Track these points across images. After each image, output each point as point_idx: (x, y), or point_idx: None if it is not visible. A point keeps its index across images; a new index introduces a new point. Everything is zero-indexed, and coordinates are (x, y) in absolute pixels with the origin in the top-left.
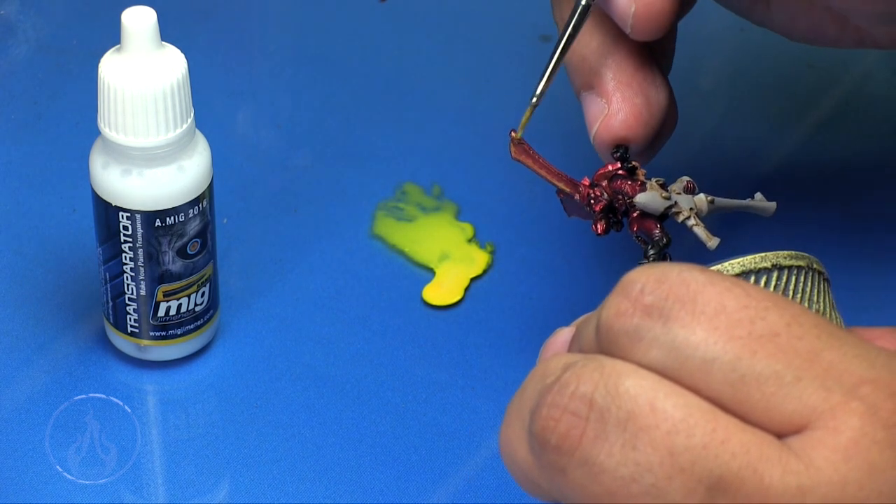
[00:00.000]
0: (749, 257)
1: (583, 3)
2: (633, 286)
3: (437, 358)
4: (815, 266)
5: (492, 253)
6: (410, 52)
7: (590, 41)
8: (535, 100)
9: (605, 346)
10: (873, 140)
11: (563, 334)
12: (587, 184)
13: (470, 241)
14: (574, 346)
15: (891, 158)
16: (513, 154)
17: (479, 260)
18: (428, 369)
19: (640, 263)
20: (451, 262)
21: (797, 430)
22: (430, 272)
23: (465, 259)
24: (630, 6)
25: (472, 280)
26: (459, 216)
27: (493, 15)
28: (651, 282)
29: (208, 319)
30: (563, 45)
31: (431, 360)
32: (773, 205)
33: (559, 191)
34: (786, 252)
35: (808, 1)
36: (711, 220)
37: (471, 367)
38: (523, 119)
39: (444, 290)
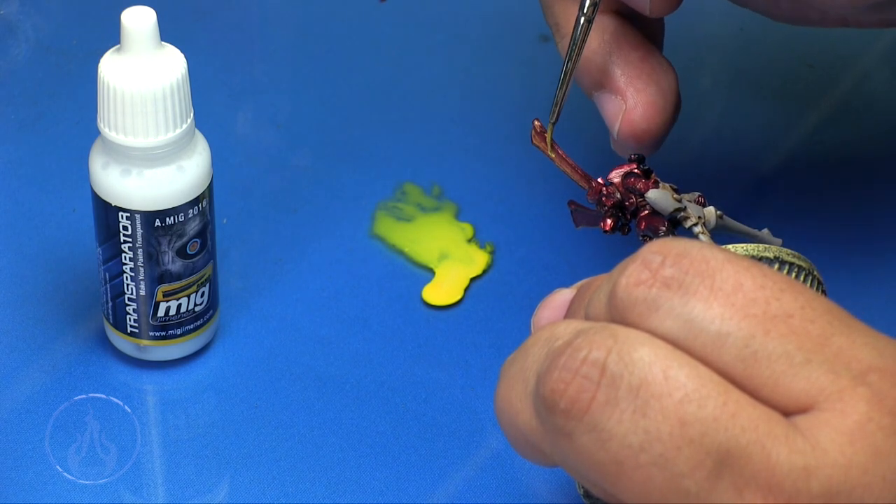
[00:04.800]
0: (753, 245)
1: (583, 20)
2: (654, 258)
3: (437, 358)
4: (815, 273)
5: (492, 253)
6: (410, 52)
7: (591, 41)
8: (553, 119)
9: (620, 312)
10: (873, 140)
11: (563, 294)
12: (602, 182)
13: (470, 241)
14: (578, 310)
15: (891, 158)
16: (533, 140)
17: (478, 260)
18: (428, 369)
19: None
20: (450, 261)
21: (803, 410)
22: (430, 272)
23: (464, 259)
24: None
25: (472, 280)
26: (459, 216)
27: (493, 15)
28: (672, 255)
29: (208, 319)
30: (574, 60)
31: (431, 360)
32: (778, 241)
33: (570, 201)
34: (789, 250)
35: None
36: (714, 234)
37: (471, 367)
38: (548, 137)
39: (443, 290)
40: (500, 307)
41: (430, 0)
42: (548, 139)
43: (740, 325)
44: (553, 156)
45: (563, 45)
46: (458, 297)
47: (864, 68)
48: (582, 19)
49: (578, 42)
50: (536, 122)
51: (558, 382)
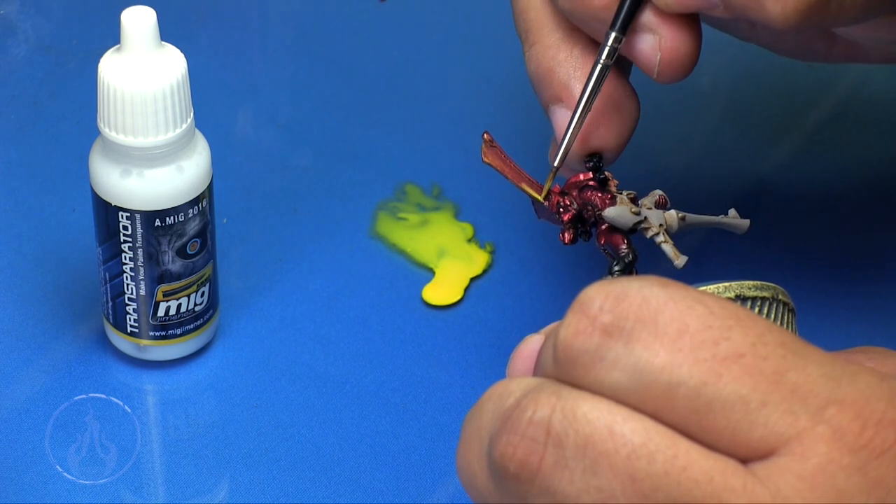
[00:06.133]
0: (712, 286)
1: (601, 63)
2: (592, 304)
3: (437, 358)
4: (780, 297)
5: (492, 253)
6: (410, 52)
7: (557, 53)
8: (556, 164)
9: (564, 365)
10: (873, 141)
11: (533, 342)
12: (557, 191)
13: (470, 240)
14: (538, 364)
15: (890, 159)
16: (484, 158)
17: (478, 260)
18: (428, 369)
19: (604, 278)
20: (450, 261)
21: (764, 456)
22: (430, 272)
23: (464, 259)
24: (655, 54)
25: (472, 280)
26: (459, 216)
27: (493, 15)
28: (610, 300)
29: (208, 319)
30: (584, 107)
31: (431, 360)
32: (745, 222)
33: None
34: (750, 282)
35: None
36: (688, 231)
37: (471, 367)
38: (546, 184)
39: (443, 290)
40: (500, 307)
41: (430, 0)
42: (546, 186)
43: (691, 373)
44: (502, 167)
45: (532, 53)
46: (458, 297)
47: (864, 69)
48: (598, 66)
49: (591, 89)
50: (486, 136)
51: (507, 446)
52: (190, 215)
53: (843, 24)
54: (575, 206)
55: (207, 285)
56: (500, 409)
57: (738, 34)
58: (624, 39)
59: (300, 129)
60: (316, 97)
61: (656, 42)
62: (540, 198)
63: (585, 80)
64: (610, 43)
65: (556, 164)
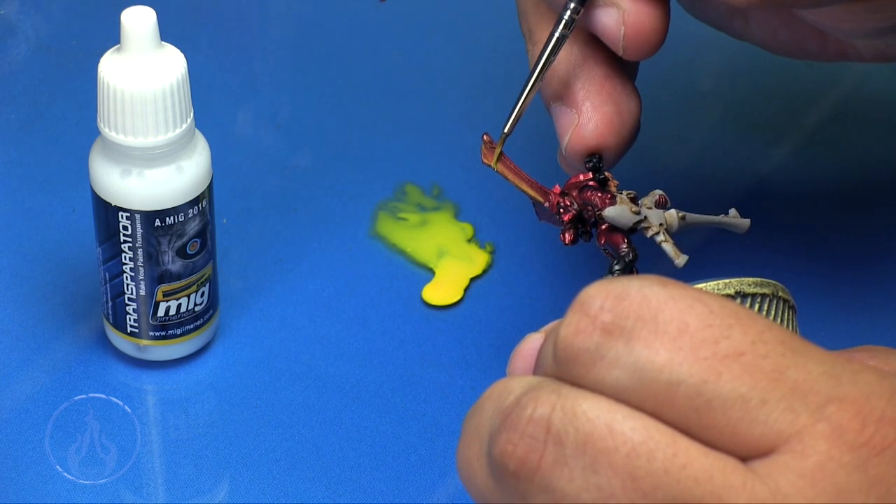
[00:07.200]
0: (712, 282)
1: (556, 34)
2: (592, 303)
3: (437, 358)
4: (780, 294)
5: (491, 253)
6: (410, 53)
7: (560, 52)
8: (506, 130)
9: (564, 364)
10: (873, 140)
11: (533, 341)
12: (557, 192)
13: (470, 240)
14: (538, 362)
15: (890, 159)
16: (483, 159)
17: (478, 260)
18: (428, 369)
19: (604, 277)
20: (450, 261)
21: (764, 454)
22: (430, 272)
23: (464, 259)
24: (619, 28)
25: (472, 280)
26: (459, 216)
27: (492, 15)
28: (611, 298)
29: (208, 319)
30: (538, 75)
31: (431, 360)
32: (746, 221)
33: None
34: (751, 279)
35: (787, 16)
36: (688, 231)
37: (471, 367)
38: (497, 148)
39: (443, 290)
40: (500, 307)
41: (430, 0)
42: (497, 150)
43: (691, 372)
44: (502, 169)
45: (535, 52)
46: (458, 297)
47: (864, 68)
48: (555, 35)
49: (546, 58)
50: (486, 137)
51: (506, 444)
52: (190, 215)
53: (803, 6)
54: (575, 206)
55: (207, 285)
56: (501, 407)
57: (732, 32)
58: (582, 10)
59: (300, 129)
60: (316, 97)
61: (620, 16)
62: (493, 164)
63: (585, 78)
64: (567, 14)
65: (506, 130)
